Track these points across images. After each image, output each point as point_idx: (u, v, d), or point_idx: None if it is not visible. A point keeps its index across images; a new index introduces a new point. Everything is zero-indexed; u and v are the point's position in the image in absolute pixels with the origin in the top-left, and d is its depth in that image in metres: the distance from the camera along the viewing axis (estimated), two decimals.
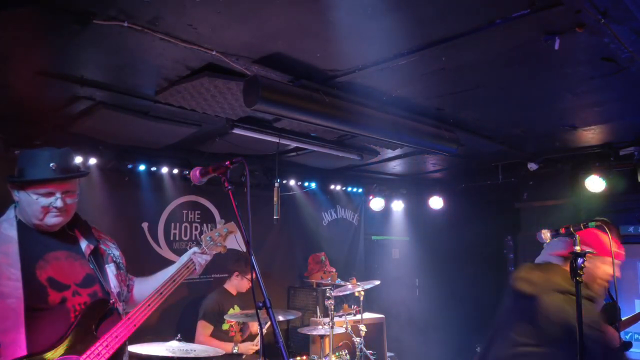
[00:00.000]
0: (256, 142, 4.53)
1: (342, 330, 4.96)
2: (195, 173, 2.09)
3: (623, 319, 3.49)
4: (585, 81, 3.35)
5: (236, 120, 4.07)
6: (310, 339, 5.41)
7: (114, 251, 2.44)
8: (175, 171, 5.14)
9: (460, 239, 6.91)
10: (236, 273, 4.98)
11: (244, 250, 6.27)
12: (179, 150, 4.94)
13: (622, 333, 3.28)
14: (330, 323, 4.68)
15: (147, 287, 2.41)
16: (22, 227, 2.18)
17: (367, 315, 5.58)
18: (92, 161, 4.49)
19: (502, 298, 2.78)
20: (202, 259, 2.44)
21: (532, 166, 5.75)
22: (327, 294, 4.85)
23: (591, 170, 5.44)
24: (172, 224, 5.21)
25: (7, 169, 2.29)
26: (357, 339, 5.01)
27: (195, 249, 2.46)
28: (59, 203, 2.16)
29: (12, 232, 2.14)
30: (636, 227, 5.51)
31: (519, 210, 6.46)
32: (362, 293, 5.21)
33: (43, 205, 2.14)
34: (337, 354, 4.77)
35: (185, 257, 2.45)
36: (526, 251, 6.55)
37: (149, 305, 2.24)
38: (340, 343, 5.02)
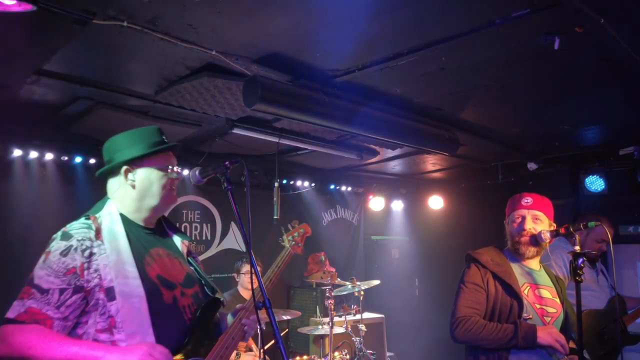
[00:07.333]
0: (256, 142, 4.52)
1: (342, 330, 4.96)
2: (194, 173, 2.08)
3: (629, 312, 3.51)
4: (585, 81, 3.35)
5: (236, 120, 4.06)
6: (310, 339, 5.40)
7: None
8: None
9: (460, 239, 6.90)
10: (234, 275, 5.00)
11: (244, 250, 6.25)
12: (178, 150, 4.92)
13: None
14: (330, 323, 4.67)
15: None
16: (125, 221, 1.99)
17: (367, 315, 5.58)
18: (92, 161, 4.49)
19: None
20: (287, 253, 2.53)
21: (531, 166, 5.74)
22: (327, 294, 4.85)
23: (591, 170, 5.44)
24: None
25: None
26: (357, 339, 5.01)
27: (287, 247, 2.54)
28: (175, 175, 2.08)
29: (119, 227, 1.94)
30: (636, 227, 5.50)
31: None
32: (362, 293, 5.21)
33: (165, 180, 2.05)
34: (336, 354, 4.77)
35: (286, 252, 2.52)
36: None
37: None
38: (340, 343, 5.01)
